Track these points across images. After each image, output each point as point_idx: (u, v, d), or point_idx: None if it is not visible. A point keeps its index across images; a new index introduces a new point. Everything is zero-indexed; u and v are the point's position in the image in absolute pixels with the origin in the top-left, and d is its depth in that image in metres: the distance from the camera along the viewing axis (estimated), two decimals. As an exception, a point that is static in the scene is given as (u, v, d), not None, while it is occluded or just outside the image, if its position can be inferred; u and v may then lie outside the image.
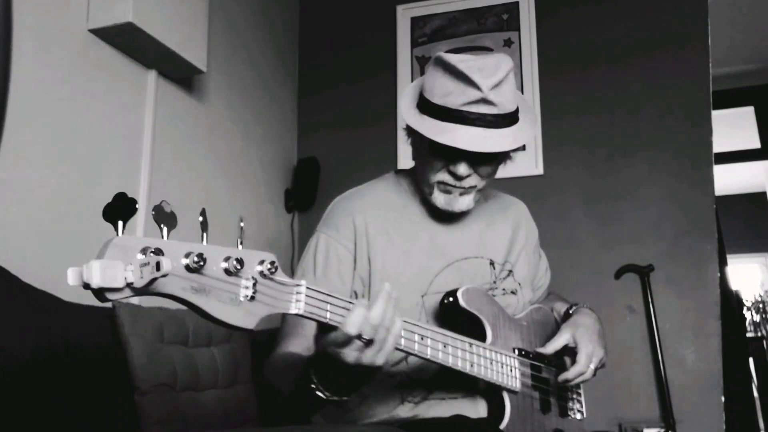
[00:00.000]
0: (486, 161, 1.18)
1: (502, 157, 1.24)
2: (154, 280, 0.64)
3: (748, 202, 6.66)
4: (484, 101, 1.12)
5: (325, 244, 1.24)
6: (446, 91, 1.13)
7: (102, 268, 0.60)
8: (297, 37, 2.99)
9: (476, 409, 1.22)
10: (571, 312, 1.36)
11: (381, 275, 1.21)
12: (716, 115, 2.40)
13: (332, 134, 2.84)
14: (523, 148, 2.51)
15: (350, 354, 0.87)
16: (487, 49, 2.67)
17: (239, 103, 2.46)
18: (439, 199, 1.23)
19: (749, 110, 4.41)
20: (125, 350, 1.35)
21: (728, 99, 4.04)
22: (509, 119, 1.16)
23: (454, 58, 1.14)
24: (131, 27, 1.66)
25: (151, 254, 0.65)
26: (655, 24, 2.50)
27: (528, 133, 1.21)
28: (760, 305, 6.28)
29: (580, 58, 2.57)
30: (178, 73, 2.00)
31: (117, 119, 1.80)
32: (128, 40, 1.76)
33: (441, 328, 1.19)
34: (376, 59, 2.81)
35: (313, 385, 0.94)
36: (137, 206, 0.66)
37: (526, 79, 2.60)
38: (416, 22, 2.80)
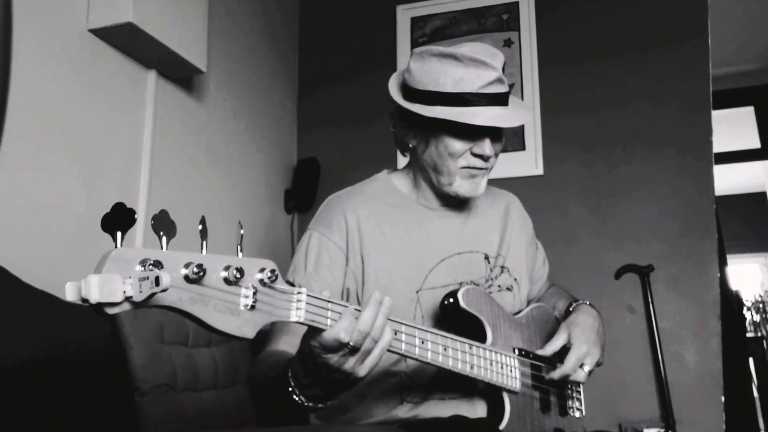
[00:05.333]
0: (498, 139, 1.23)
1: (503, 134, 1.27)
2: (153, 294, 0.63)
3: (748, 202, 6.67)
4: (499, 81, 1.16)
5: (317, 242, 1.24)
6: (457, 78, 1.15)
7: (101, 282, 0.59)
8: (297, 37, 2.99)
9: (475, 409, 1.22)
10: (571, 309, 1.35)
11: (375, 272, 1.21)
12: (716, 115, 2.40)
13: (332, 134, 2.84)
14: (523, 147, 2.52)
15: (333, 358, 0.87)
16: (487, 49, 2.66)
17: (239, 103, 2.46)
18: (462, 186, 1.23)
19: (749, 110, 4.41)
20: (125, 350, 1.35)
21: (728, 99, 4.03)
22: (508, 96, 1.21)
23: (451, 48, 1.17)
24: (131, 27, 1.67)
25: (150, 267, 0.64)
26: (655, 25, 2.50)
27: (527, 105, 1.26)
28: (760, 305, 6.29)
29: (580, 58, 2.57)
30: (178, 73, 2.00)
31: (117, 119, 1.80)
32: (128, 40, 1.76)
33: (438, 325, 1.20)
34: (376, 59, 2.80)
35: (290, 388, 0.94)
36: (136, 217, 0.65)
37: (527, 79, 2.59)
38: (416, 22, 2.80)
